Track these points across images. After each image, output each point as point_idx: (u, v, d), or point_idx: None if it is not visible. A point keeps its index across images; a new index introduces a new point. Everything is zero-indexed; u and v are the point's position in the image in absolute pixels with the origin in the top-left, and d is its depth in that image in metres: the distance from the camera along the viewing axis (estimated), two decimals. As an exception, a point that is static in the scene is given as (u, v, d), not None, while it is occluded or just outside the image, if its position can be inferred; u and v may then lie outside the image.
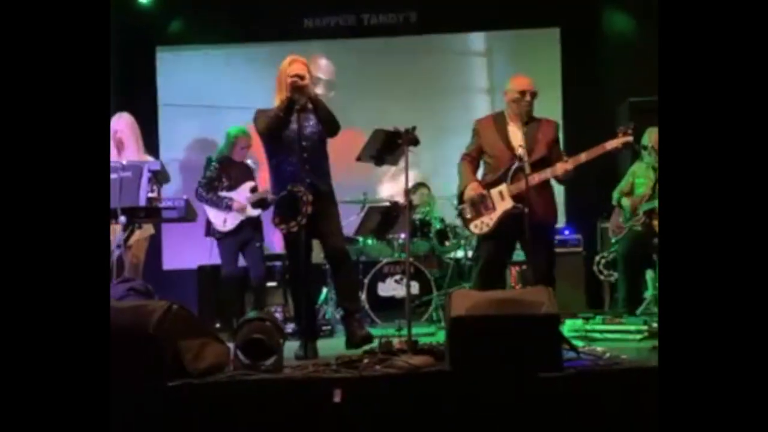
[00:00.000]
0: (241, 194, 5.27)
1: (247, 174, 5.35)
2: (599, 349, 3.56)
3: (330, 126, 3.92)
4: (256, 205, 5.27)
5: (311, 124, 3.93)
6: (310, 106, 3.89)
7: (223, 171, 5.32)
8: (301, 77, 3.78)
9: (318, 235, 3.98)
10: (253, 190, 5.30)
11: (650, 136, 5.20)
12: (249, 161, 5.39)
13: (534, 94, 4.13)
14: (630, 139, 3.89)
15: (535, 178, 3.94)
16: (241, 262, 5.39)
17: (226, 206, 5.21)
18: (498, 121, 4.21)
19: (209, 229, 5.31)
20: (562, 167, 3.96)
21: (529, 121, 4.11)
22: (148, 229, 4.66)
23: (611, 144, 3.90)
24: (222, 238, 5.27)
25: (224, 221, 5.23)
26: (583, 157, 3.94)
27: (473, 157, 4.26)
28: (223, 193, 5.25)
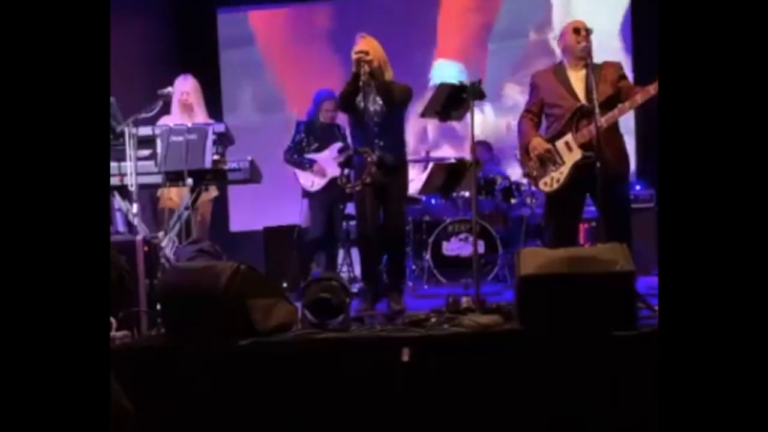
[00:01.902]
0: (329, 155, 5.30)
1: (335, 135, 5.36)
2: (674, 307, 3.42)
3: (386, 98, 3.99)
4: (344, 164, 5.28)
5: (379, 99, 4.03)
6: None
7: (310, 133, 5.36)
8: (365, 52, 3.91)
9: (381, 207, 4.06)
10: (342, 150, 5.30)
11: None
12: (338, 122, 5.39)
13: (589, 31, 3.80)
14: None
15: (604, 121, 3.62)
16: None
17: (309, 167, 5.26)
18: (557, 70, 4.00)
19: (304, 191, 5.42)
20: (633, 101, 3.63)
21: (589, 64, 3.76)
22: (212, 190, 4.72)
23: None
24: (311, 199, 5.34)
25: (312, 183, 5.31)
26: (652, 89, 3.59)
27: (534, 113, 4.05)
28: (310, 156, 5.29)
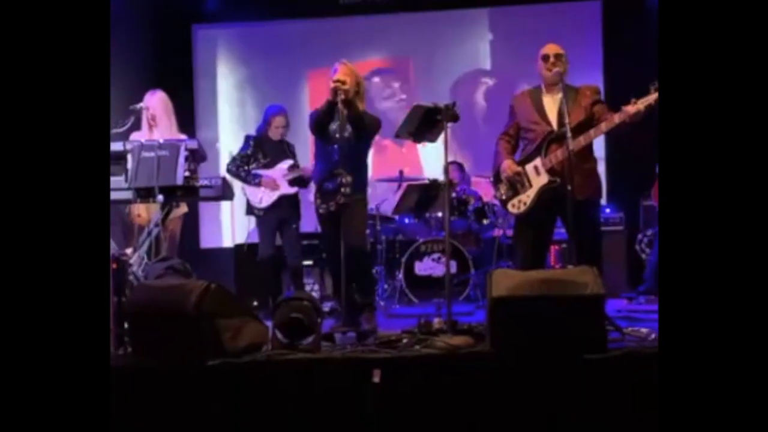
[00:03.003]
0: (279, 172, 5.25)
1: (285, 152, 5.32)
2: (643, 330, 3.45)
3: (357, 128, 4.04)
4: (293, 182, 5.24)
5: (349, 127, 4.08)
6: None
7: (260, 149, 5.29)
8: (343, 82, 3.97)
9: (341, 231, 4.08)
10: (292, 168, 5.27)
11: None
12: (287, 139, 5.36)
13: (558, 56, 3.90)
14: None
15: (572, 145, 3.62)
16: (278, 241, 5.36)
17: (255, 183, 5.19)
18: (533, 93, 4.04)
19: (249, 208, 5.31)
20: (599, 129, 3.73)
21: (565, 88, 3.78)
22: (182, 206, 4.66)
23: (647, 100, 3.63)
24: (259, 216, 5.26)
25: (260, 199, 5.22)
26: (616, 118, 3.67)
27: (511, 136, 4.11)
28: (258, 171, 5.22)
